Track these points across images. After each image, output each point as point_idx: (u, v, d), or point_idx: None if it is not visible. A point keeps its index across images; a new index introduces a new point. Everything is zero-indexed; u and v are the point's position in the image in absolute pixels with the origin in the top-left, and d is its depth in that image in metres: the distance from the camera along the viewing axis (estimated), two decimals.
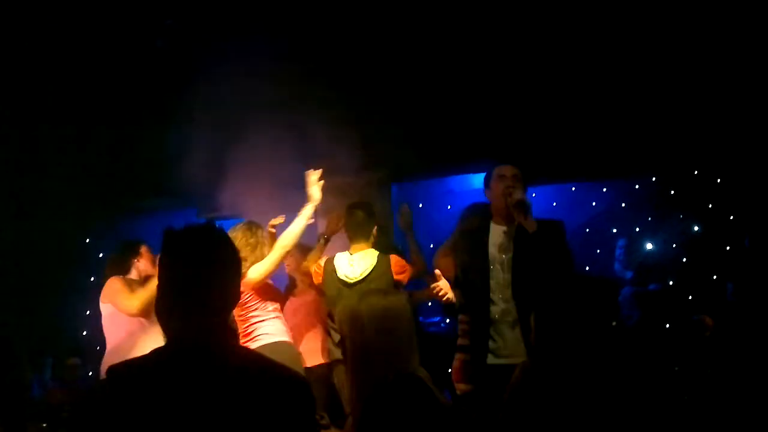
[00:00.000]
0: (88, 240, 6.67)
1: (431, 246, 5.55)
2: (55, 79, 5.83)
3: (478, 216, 4.14)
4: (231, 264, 1.88)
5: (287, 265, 4.98)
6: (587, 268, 6.30)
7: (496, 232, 3.89)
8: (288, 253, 4.31)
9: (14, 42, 5.53)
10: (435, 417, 2.26)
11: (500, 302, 3.75)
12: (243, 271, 4.06)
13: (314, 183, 4.34)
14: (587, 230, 7.23)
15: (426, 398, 2.29)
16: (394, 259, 4.40)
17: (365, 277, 4.31)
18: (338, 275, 4.37)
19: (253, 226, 4.39)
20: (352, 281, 4.33)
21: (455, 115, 6.16)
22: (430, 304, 5.77)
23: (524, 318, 3.50)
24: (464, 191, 6.87)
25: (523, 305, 3.64)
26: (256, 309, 4.21)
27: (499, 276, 3.77)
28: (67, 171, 6.10)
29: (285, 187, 5.21)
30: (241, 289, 3.99)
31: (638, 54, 5.74)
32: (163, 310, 1.82)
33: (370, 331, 2.36)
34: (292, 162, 5.88)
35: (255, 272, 4.17)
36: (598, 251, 6.97)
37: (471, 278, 3.86)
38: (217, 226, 1.91)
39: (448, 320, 6.26)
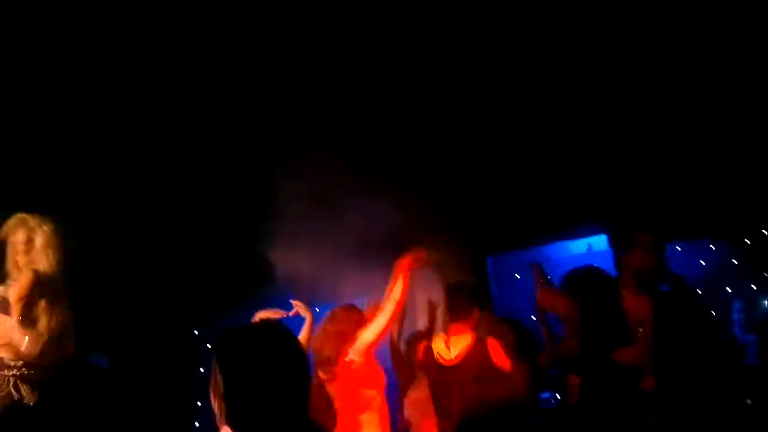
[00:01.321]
0: (196, 332, 6.89)
1: (532, 318, 5.42)
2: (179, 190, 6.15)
3: (598, 283, 3.97)
4: (295, 361, 1.81)
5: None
6: None
7: (632, 301, 3.68)
8: (394, 318, 4.25)
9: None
10: None
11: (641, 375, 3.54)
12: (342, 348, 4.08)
13: (399, 276, 4.25)
14: (698, 292, 6.88)
15: None
16: (492, 343, 4.27)
17: (461, 360, 4.23)
18: (435, 356, 4.30)
19: (353, 308, 4.42)
20: (448, 364, 4.25)
21: (547, 184, 6.11)
22: None
23: (666, 392, 3.31)
24: (562, 258, 6.72)
25: (667, 378, 3.46)
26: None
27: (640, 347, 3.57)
28: (175, 262, 6.34)
29: (378, 268, 5.24)
30: (352, 357, 4.06)
31: (739, 112, 5.58)
32: (239, 419, 1.73)
33: None
34: (385, 243, 6.02)
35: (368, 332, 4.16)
36: (713, 313, 6.60)
37: (603, 348, 3.65)
38: (275, 323, 1.87)
39: (558, 396, 6.02)
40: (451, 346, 4.30)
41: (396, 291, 4.16)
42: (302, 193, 5.89)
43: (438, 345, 4.36)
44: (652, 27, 5.30)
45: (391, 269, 5.08)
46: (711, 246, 7.17)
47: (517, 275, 6.88)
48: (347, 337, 4.10)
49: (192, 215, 6.25)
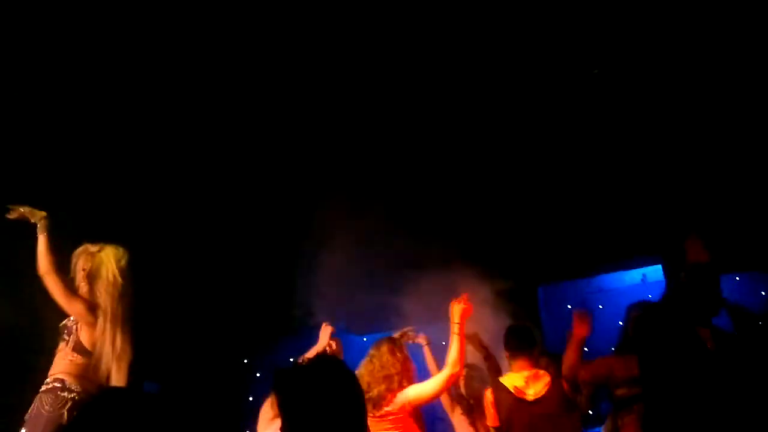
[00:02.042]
0: (246, 360, 6.93)
1: (585, 350, 5.32)
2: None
3: (666, 318, 3.84)
4: (354, 398, 1.81)
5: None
6: None
7: (706, 336, 3.57)
8: (455, 376, 4.11)
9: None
10: None
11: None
12: (393, 387, 4.01)
13: (457, 338, 4.04)
14: (761, 323, 6.64)
15: None
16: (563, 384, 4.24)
17: (542, 396, 4.18)
18: (513, 393, 4.21)
19: (396, 342, 4.36)
20: (530, 399, 4.18)
21: (601, 213, 6.02)
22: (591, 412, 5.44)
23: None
24: (615, 288, 6.59)
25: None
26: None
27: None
28: (225, 292, 6.42)
29: (429, 296, 5.22)
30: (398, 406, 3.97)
31: None
32: None
33: None
34: (436, 274, 5.99)
35: (417, 392, 4.06)
36: None
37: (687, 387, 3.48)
38: (332, 360, 1.86)
39: None
40: (529, 383, 4.24)
41: (454, 354, 4.00)
42: (351, 225, 6.05)
43: (515, 381, 4.30)
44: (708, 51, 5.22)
45: (440, 300, 5.07)
46: None
47: (569, 306, 6.76)
48: (394, 380, 4.01)
49: (243, 246, 6.34)
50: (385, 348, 4.15)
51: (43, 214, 3.66)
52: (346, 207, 5.71)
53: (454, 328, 4.05)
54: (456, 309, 4.08)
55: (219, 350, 6.62)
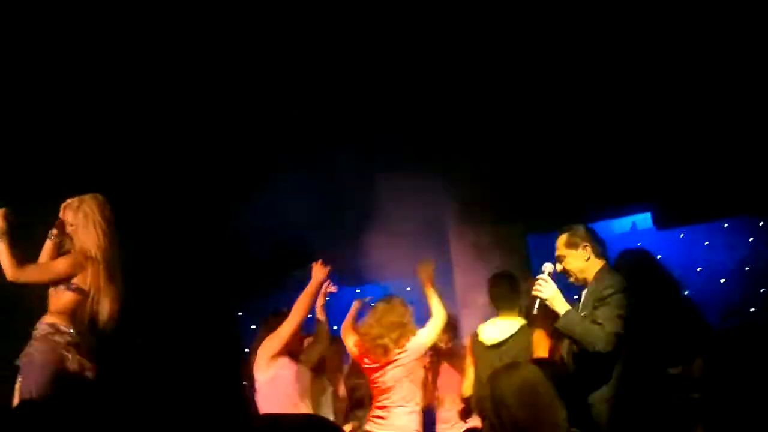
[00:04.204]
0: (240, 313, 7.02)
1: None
2: None
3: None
4: None
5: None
6: (752, 310, 5.85)
7: None
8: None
9: None
10: None
11: None
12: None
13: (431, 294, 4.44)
14: (747, 269, 6.74)
15: None
16: (538, 335, 4.29)
17: (504, 341, 4.31)
18: (479, 339, 4.41)
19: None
20: (489, 343, 4.35)
21: (591, 161, 6.02)
22: None
23: None
24: (604, 238, 6.63)
25: None
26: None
27: None
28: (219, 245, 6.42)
29: (424, 247, 5.27)
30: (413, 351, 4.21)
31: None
32: None
33: (513, 408, 2.49)
34: (432, 221, 6.03)
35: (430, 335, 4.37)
36: (762, 290, 6.47)
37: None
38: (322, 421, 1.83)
39: None
40: (496, 326, 4.38)
41: (435, 304, 4.40)
42: (346, 176, 6.03)
43: (484, 327, 4.43)
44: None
45: (433, 252, 5.12)
46: (760, 223, 7.02)
47: None
48: (406, 330, 4.29)
49: (236, 197, 6.32)
50: (397, 300, 4.41)
51: (3, 226, 3.56)
52: (341, 159, 5.84)
53: (426, 288, 4.43)
54: (423, 273, 4.42)
55: (212, 303, 6.67)
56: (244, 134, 6.17)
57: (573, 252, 3.60)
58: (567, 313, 3.47)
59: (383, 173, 5.83)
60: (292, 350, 4.15)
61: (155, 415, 5.28)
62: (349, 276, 6.29)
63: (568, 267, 3.62)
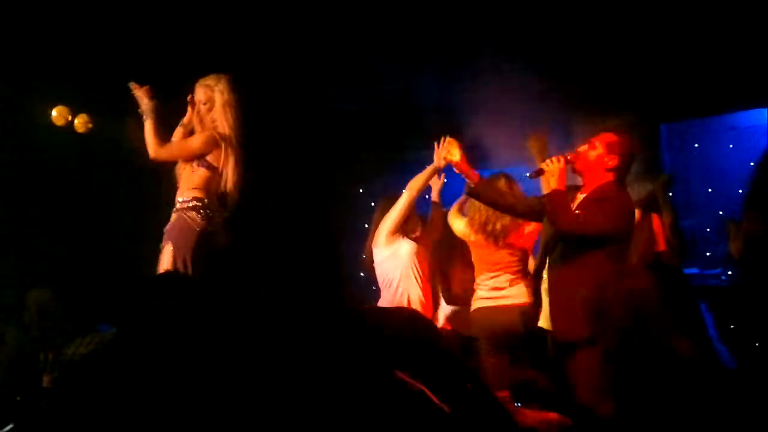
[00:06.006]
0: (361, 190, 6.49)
1: (709, 191, 5.67)
2: None
3: None
4: None
5: None
6: None
7: None
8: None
9: None
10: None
11: None
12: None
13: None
14: None
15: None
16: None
17: None
18: None
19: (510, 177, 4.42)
20: None
21: (734, 44, 5.06)
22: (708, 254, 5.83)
23: None
24: (751, 127, 5.83)
25: None
26: None
27: None
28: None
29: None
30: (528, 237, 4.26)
31: None
32: None
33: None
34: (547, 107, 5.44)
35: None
36: None
37: None
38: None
39: (730, 272, 5.76)
40: None
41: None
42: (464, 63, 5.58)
43: None
44: None
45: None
46: None
47: (696, 145, 6.07)
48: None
49: (357, 82, 5.72)
50: (503, 182, 4.23)
51: (151, 105, 3.82)
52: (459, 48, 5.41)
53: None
54: (534, 147, 4.28)
55: (333, 180, 6.30)
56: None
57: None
58: None
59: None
60: (407, 229, 4.35)
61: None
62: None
63: None
